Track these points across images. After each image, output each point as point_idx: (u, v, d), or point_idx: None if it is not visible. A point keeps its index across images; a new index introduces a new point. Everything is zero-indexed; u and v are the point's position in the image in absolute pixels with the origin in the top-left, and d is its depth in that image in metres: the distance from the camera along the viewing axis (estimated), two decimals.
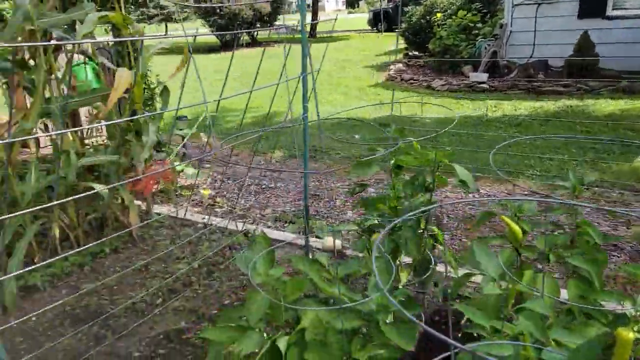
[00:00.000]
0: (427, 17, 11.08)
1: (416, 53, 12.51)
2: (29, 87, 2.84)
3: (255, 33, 21.03)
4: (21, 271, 2.44)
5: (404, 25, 12.06)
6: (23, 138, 2.72)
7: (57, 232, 2.84)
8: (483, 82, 8.48)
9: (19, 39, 2.63)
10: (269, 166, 5.17)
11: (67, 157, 2.79)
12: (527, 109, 6.92)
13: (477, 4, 10.03)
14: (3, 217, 1.48)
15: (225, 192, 4.44)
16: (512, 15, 8.97)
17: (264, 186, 4.57)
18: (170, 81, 3.38)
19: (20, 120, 2.58)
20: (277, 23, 20.47)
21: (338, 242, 3.00)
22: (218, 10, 18.24)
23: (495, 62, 8.90)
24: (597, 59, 7.79)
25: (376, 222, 1.73)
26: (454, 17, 10.11)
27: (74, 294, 2.67)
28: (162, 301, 2.57)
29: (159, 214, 3.63)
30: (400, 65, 11.24)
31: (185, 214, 3.72)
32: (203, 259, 2.94)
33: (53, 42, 2.93)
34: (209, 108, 3.22)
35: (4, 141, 2.51)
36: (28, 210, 1.52)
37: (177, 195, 4.25)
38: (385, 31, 24.51)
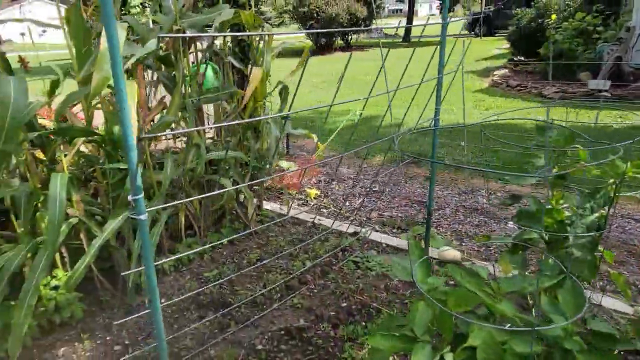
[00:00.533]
0: (539, 20, 10.36)
1: (521, 58, 11.75)
2: (165, 83, 3.03)
3: (350, 37, 21.17)
4: (161, 262, 2.59)
5: (510, 29, 11.39)
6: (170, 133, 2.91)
7: (182, 220, 2.99)
8: (604, 90, 7.72)
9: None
10: (368, 169, 5.10)
11: (197, 150, 2.93)
12: None
13: (598, 5, 9.17)
14: (173, 203, 1.54)
15: (329, 193, 4.44)
16: None
17: (368, 189, 4.50)
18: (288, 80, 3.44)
19: (163, 113, 2.75)
20: (372, 27, 20.42)
21: (457, 254, 2.83)
22: (315, 15, 18.61)
23: (619, 68, 8.06)
24: None
25: (535, 235, 1.57)
26: (570, 19, 9.34)
27: (196, 280, 2.79)
28: (280, 297, 2.59)
29: (271, 211, 3.71)
30: (506, 70, 10.63)
31: (287, 211, 3.76)
32: (317, 259, 2.93)
33: (200, 35, 3.10)
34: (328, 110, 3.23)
35: (148, 135, 2.69)
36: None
37: (282, 194, 4.33)
38: (484, 35, 23.44)
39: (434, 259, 2.91)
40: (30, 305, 2.03)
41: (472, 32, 24.45)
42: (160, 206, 2.51)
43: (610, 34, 8.71)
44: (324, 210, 4.05)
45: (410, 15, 22.98)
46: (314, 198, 4.28)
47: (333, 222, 3.16)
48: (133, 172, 1.24)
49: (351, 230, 3.40)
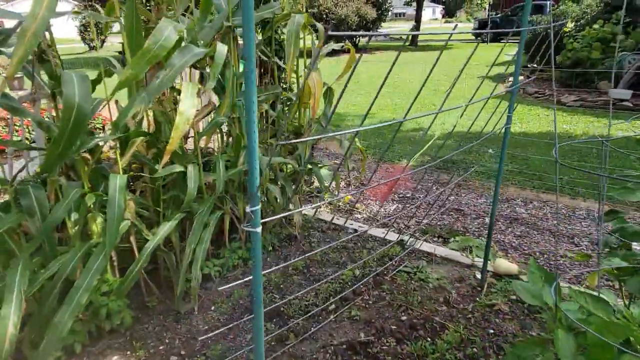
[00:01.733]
0: (555, 28, 10.30)
1: (534, 65, 11.70)
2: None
3: (357, 40, 21.11)
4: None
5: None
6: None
7: (227, 223, 2.89)
8: (626, 100, 7.66)
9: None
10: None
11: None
12: None
13: (618, 12, 9.11)
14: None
15: (362, 198, 4.35)
16: None
17: (401, 195, 4.41)
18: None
19: (215, 113, 2.65)
20: (380, 30, 20.37)
21: (513, 267, 2.74)
22: (325, 17, 18.53)
23: (639, 78, 8.01)
24: None
25: None
26: (588, 27, 9.29)
27: (243, 287, 2.69)
28: (335, 308, 2.49)
29: (309, 216, 3.61)
30: (521, 77, 10.56)
31: (321, 215, 3.67)
32: (368, 269, 2.83)
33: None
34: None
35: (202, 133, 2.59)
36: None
37: (312, 196, 4.23)
38: (490, 41, 23.43)
39: (489, 271, 2.82)
40: (80, 304, 1.92)
41: (479, 38, 24.45)
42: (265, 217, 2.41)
43: (630, 42, 8.66)
44: (358, 216, 3.96)
45: (419, 18, 22.93)
46: (347, 203, 4.18)
47: (379, 229, 3.07)
48: (255, 184, 1.14)
49: (393, 238, 3.31)
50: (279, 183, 3.05)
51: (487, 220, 3.84)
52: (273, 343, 2.23)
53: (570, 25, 9.75)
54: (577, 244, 3.32)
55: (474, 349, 2.12)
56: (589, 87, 8.76)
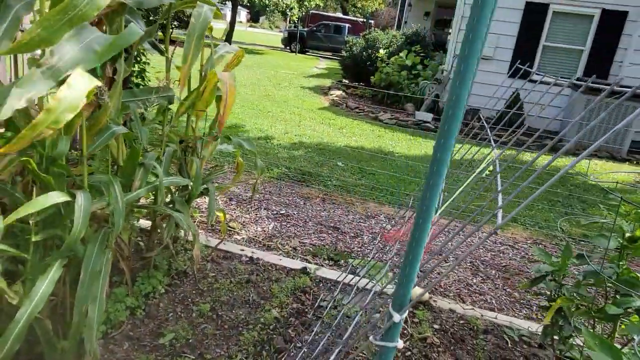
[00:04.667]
0: (369, 51, 11.48)
1: (346, 82, 12.82)
2: None
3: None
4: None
5: (344, 54, 12.31)
6: None
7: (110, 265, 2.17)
8: (428, 122, 8.99)
9: None
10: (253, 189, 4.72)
11: (144, 171, 2.17)
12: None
13: (416, 47, 10.67)
14: None
15: (235, 215, 3.92)
16: (452, 65, 9.71)
17: (274, 212, 4.15)
18: None
19: (99, 114, 1.93)
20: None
21: (424, 293, 2.78)
22: None
23: (437, 104, 9.53)
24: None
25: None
26: (396, 56, 10.63)
27: (139, 349, 2.05)
28: None
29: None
30: (340, 92, 11.41)
31: (207, 240, 3.16)
32: (285, 307, 2.50)
33: None
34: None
35: None
36: None
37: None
38: (298, 52, 24.86)
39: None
40: None
41: (288, 48, 25.70)
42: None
43: (427, 73, 10.24)
44: (237, 237, 3.55)
45: (233, 21, 22.75)
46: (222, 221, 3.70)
47: (274, 255, 2.76)
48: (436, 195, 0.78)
49: (296, 265, 3.05)
50: (171, 205, 2.45)
51: (366, 239, 3.91)
52: None
53: (382, 51, 10.99)
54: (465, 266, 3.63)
55: None
56: (397, 107, 10.02)
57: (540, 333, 2.15)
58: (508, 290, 3.30)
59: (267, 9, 30.27)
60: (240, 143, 2.58)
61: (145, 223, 3.03)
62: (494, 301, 3.10)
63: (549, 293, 2.07)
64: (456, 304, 2.82)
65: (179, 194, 2.67)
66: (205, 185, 2.74)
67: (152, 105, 2.30)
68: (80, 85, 1.29)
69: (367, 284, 2.66)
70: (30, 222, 1.70)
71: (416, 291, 2.67)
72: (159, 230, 2.62)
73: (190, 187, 2.61)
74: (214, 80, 2.53)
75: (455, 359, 2.30)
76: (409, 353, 2.30)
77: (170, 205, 2.52)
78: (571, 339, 1.89)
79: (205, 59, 2.67)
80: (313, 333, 2.30)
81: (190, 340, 2.17)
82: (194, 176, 2.73)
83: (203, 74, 2.68)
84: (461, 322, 2.62)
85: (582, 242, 4.32)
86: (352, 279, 2.78)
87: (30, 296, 1.57)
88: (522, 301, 3.18)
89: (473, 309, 2.79)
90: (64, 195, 1.70)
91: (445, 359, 2.30)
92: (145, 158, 2.23)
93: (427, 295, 2.77)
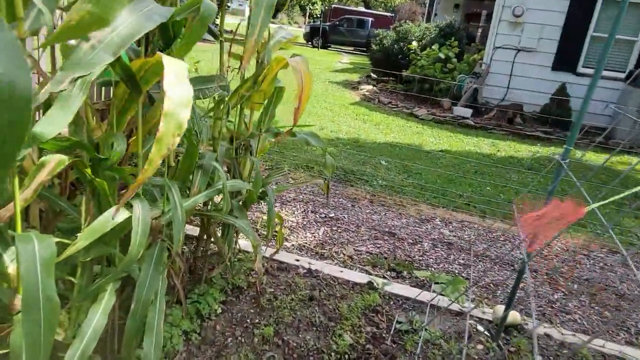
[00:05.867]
0: (400, 44, 11.02)
1: (374, 76, 12.36)
2: None
3: None
4: None
5: (373, 47, 11.88)
6: None
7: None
8: (467, 118, 8.53)
9: None
10: (303, 187, 4.38)
11: (203, 173, 1.85)
12: (529, 151, 7.00)
13: (451, 39, 10.16)
14: None
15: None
16: (491, 57, 9.20)
17: (322, 215, 3.81)
18: None
19: None
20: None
21: (517, 315, 2.40)
22: None
23: (475, 99, 9.05)
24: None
25: None
26: (428, 49, 10.15)
27: None
28: None
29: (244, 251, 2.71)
30: (370, 86, 10.99)
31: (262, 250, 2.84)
32: (357, 330, 2.15)
33: None
34: None
35: None
36: None
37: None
38: (320, 47, 24.46)
39: (490, 322, 2.44)
40: None
41: (310, 43, 25.30)
42: None
43: (463, 66, 9.74)
44: (287, 244, 3.21)
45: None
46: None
47: (334, 266, 2.41)
48: None
49: (360, 279, 2.70)
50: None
51: (426, 245, 3.54)
52: None
53: (415, 44, 10.52)
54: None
55: None
56: (432, 102, 9.55)
57: None
58: (597, 308, 2.89)
59: (290, 2, 29.92)
60: (306, 139, 2.24)
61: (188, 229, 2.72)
62: (584, 322, 2.70)
63: None
64: (551, 328, 2.43)
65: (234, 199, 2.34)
66: (262, 188, 2.41)
67: (210, 95, 1.97)
68: (179, 71, 0.97)
69: (450, 304, 2.30)
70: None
71: (515, 315, 2.30)
72: (211, 239, 2.30)
73: (246, 191, 2.28)
74: (277, 67, 2.19)
75: None
76: None
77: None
78: None
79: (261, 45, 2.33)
80: None
81: None
82: (246, 178, 2.40)
83: (259, 61, 2.32)
84: (564, 351, 2.24)
85: None
86: (432, 299, 2.42)
87: (81, 333, 1.25)
88: (615, 322, 2.78)
89: (574, 334, 2.40)
90: (126, 211, 1.37)
91: None
92: (202, 158, 1.90)
93: (519, 317, 2.39)
